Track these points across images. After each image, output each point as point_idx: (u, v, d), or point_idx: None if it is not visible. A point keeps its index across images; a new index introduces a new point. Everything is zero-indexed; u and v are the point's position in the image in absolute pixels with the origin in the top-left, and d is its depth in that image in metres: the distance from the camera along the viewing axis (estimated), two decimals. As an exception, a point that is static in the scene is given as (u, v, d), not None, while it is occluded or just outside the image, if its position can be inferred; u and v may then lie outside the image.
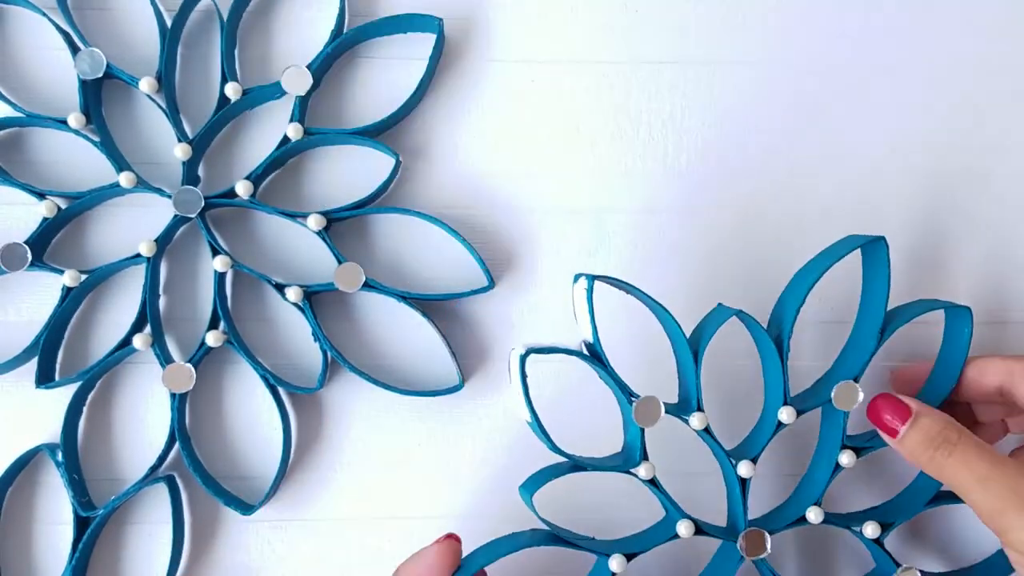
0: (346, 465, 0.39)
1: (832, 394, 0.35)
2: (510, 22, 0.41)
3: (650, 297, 0.34)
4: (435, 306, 0.39)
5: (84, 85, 0.38)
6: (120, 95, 0.40)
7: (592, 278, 0.33)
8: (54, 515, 0.39)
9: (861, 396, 0.35)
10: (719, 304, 0.35)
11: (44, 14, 0.38)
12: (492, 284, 0.39)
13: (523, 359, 0.33)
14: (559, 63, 0.41)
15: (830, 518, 0.36)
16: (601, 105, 0.41)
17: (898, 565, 0.35)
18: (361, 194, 0.38)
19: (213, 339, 0.37)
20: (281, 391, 0.39)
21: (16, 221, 0.39)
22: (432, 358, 0.40)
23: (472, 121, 0.41)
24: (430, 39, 0.39)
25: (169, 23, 0.38)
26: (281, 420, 0.38)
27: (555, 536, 0.35)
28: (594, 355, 0.34)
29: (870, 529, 0.36)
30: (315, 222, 0.38)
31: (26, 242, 0.37)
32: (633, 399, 0.34)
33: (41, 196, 0.38)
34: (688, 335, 0.35)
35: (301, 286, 0.38)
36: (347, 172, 0.40)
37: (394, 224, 0.40)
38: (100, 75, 0.37)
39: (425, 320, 0.39)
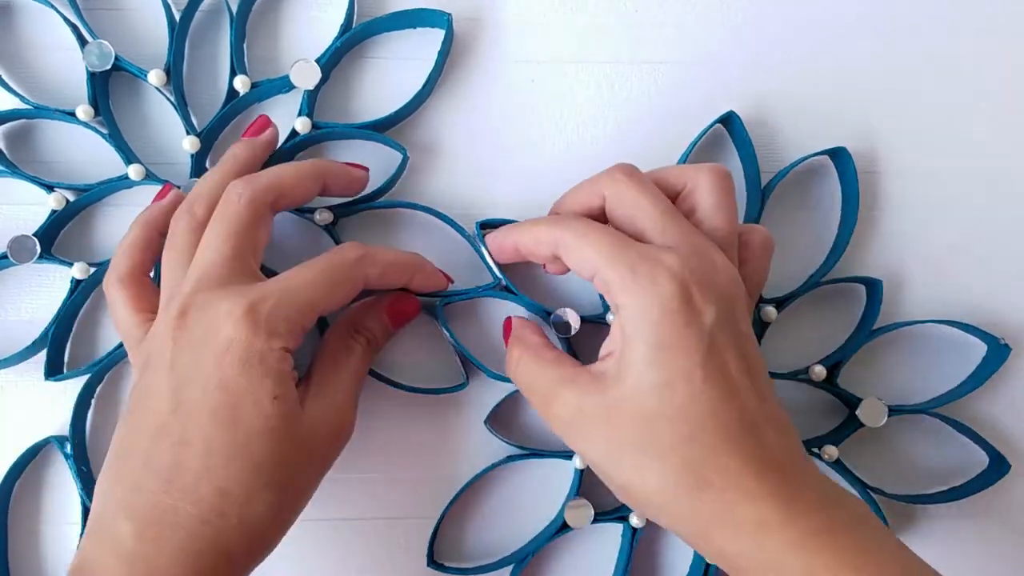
0: (349, 463, 0.39)
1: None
2: (513, 22, 0.41)
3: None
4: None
5: (92, 77, 0.38)
6: (128, 88, 0.40)
7: (479, 224, 0.37)
8: (62, 514, 0.39)
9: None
10: None
11: (53, 7, 0.38)
12: (499, 281, 0.38)
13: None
14: (559, 63, 0.41)
15: None
16: (601, 105, 0.41)
17: None
18: (368, 189, 0.38)
19: (220, 333, 0.37)
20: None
21: (25, 213, 0.39)
22: (436, 355, 0.40)
23: (480, 119, 0.40)
24: (437, 39, 0.39)
25: (178, 18, 0.38)
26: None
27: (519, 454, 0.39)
28: (506, 289, 0.38)
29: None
30: (322, 216, 0.38)
31: (35, 234, 0.37)
32: (550, 312, 0.38)
33: (50, 188, 0.38)
34: None
35: (308, 281, 0.38)
36: (355, 167, 0.40)
37: (401, 219, 0.40)
38: (108, 67, 0.37)
39: (430, 316, 0.39)
